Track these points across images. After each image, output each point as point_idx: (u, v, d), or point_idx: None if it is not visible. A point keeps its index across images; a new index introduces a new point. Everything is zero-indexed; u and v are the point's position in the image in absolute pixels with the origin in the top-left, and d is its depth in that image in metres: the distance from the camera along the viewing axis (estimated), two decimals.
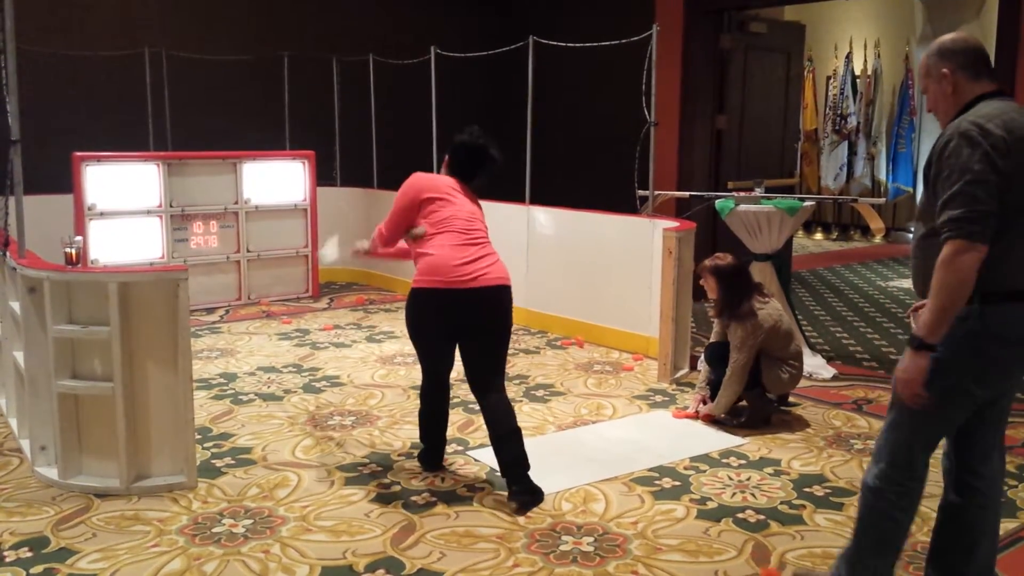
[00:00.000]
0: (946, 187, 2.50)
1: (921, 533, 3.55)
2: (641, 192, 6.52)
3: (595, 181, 8.75)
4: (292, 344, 6.57)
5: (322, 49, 9.04)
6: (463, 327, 3.88)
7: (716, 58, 8.16)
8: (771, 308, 4.81)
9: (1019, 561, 3.39)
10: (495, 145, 4.07)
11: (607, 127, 8.97)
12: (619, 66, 7.18)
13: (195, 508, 3.78)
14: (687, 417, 4.93)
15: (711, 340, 5.09)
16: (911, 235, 12.68)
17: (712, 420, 4.85)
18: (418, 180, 3.99)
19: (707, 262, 4.91)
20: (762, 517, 3.71)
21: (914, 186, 12.66)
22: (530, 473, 3.83)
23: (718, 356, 4.91)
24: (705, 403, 4.98)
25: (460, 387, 4.64)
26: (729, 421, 4.86)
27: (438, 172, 4.19)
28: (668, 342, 5.63)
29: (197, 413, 4.51)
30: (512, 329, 4.01)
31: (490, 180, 4.15)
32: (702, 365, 5.10)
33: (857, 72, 12.85)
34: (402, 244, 4.09)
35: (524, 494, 3.78)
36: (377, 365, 6.01)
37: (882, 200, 11.60)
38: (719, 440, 4.62)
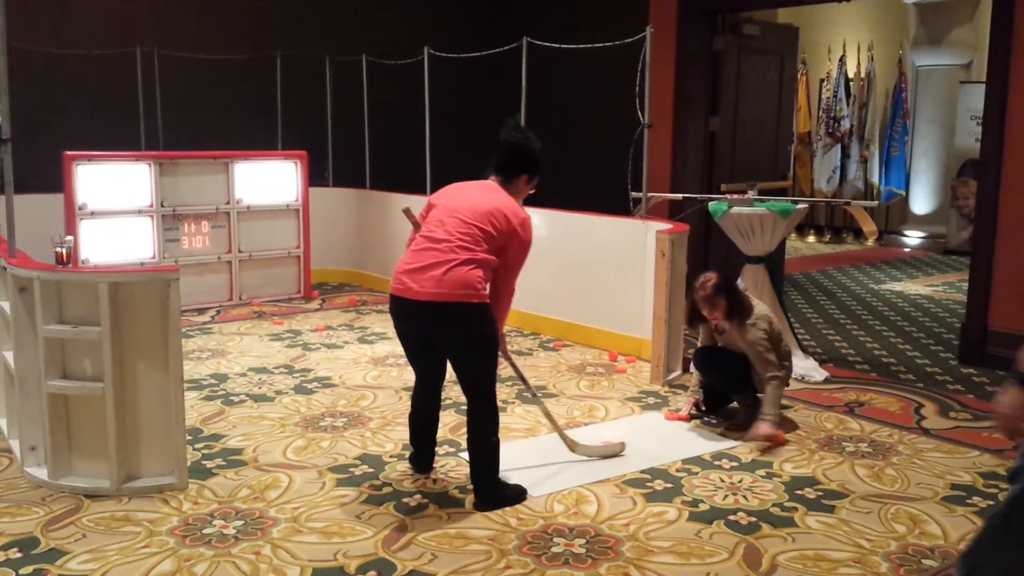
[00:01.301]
0: None
1: (912, 536, 3.56)
2: (634, 194, 6.52)
3: (588, 182, 8.74)
4: (283, 345, 6.55)
5: (315, 49, 9.02)
6: (419, 334, 3.86)
7: (710, 60, 8.16)
8: (759, 308, 4.81)
9: None
10: (525, 136, 4.06)
11: (600, 128, 8.97)
12: (613, 68, 7.18)
13: (186, 509, 3.77)
14: (679, 419, 4.92)
15: (699, 345, 5.07)
16: (904, 238, 12.71)
17: (734, 428, 4.76)
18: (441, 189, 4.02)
19: (703, 293, 4.63)
20: (754, 519, 3.71)
21: (907, 189, 12.69)
22: (519, 476, 3.80)
23: (707, 361, 4.91)
24: (698, 406, 4.97)
25: (453, 388, 4.63)
26: (721, 423, 4.87)
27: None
28: (661, 344, 5.63)
29: (188, 414, 4.50)
30: (475, 345, 3.74)
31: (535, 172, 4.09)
32: (695, 368, 5.09)
33: (850, 75, 12.88)
34: None
35: (480, 505, 3.80)
36: (369, 366, 6.00)
37: (875, 203, 11.70)
38: (711, 442, 4.62)
